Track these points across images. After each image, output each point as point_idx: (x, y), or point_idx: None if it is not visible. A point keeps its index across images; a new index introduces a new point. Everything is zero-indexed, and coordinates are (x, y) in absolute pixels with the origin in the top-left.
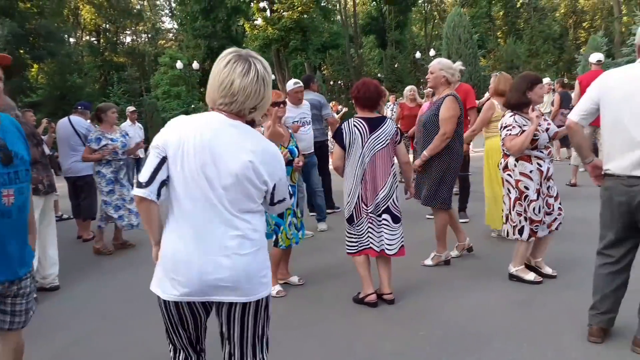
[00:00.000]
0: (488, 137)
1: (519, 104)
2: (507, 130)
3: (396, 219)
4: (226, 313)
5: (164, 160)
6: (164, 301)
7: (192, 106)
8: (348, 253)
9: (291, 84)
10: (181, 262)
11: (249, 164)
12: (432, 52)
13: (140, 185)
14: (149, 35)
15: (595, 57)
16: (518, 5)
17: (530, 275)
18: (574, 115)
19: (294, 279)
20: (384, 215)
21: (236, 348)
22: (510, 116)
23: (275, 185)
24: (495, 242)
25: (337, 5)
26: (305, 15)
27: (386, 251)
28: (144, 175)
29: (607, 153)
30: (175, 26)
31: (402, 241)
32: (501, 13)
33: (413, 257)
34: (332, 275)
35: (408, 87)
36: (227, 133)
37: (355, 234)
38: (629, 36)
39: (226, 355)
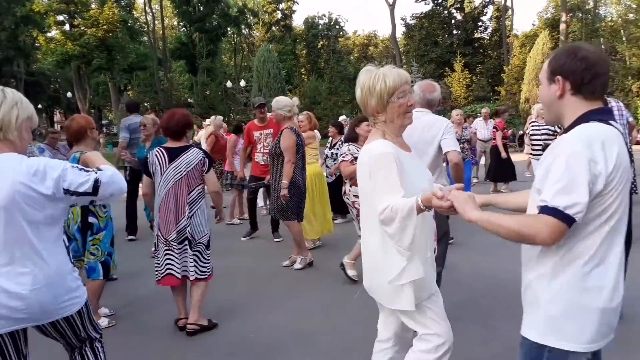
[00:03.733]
0: (309, 163)
1: (351, 137)
2: (342, 157)
3: (195, 246)
4: None
5: None
6: None
7: None
8: (156, 281)
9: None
10: None
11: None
12: (242, 83)
13: None
14: None
15: None
16: (319, 46)
17: (351, 272)
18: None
19: (104, 310)
20: (185, 243)
21: None
22: (347, 146)
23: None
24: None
25: (146, 27)
26: (110, 34)
27: (189, 276)
28: None
29: None
30: None
31: (206, 268)
32: (304, 52)
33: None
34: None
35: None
36: None
37: (157, 262)
38: None
39: None
